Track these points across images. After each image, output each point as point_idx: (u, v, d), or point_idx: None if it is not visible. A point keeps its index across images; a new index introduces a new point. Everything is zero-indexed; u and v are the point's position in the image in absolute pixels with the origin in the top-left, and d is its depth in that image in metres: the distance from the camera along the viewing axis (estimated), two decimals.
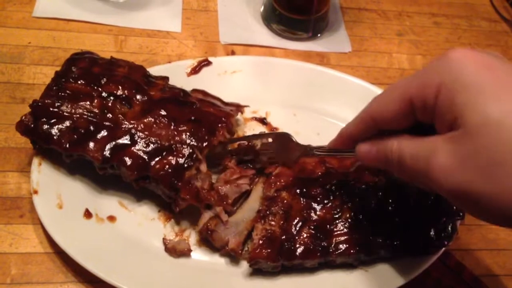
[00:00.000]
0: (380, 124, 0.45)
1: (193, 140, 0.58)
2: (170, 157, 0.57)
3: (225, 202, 0.57)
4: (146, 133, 0.58)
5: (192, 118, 0.59)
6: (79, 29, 0.77)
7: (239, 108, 0.65)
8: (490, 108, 0.35)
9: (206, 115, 0.60)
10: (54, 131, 0.57)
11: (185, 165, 0.56)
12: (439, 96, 0.39)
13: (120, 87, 0.60)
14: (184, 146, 0.57)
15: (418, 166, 0.40)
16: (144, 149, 0.57)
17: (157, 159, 0.56)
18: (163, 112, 0.59)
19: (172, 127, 0.58)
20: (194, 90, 0.65)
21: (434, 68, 0.40)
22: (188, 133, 0.58)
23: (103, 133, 0.57)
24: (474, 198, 0.36)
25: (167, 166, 0.56)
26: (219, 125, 0.60)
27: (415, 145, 0.41)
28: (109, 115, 0.58)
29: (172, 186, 0.55)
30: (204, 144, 0.58)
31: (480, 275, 0.61)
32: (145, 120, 0.58)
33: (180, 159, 0.56)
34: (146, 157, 0.56)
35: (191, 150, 0.57)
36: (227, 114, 0.61)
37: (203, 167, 0.57)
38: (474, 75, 0.37)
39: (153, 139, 0.57)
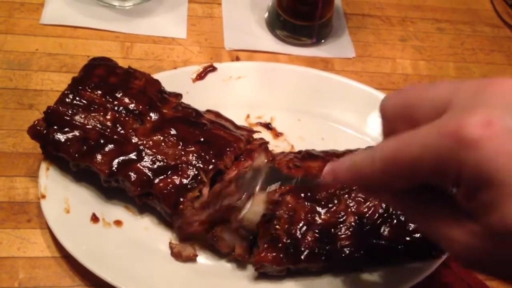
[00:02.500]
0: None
1: (200, 162, 0.58)
2: (175, 177, 0.57)
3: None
4: (154, 150, 0.58)
5: (201, 139, 0.59)
6: (85, 36, 0.78)
7: (250, 133, 0.65)
8: None
9: (216, 138, 0.60)
10: (64, 139, 0.58)
11: (189, 186, 0.57)
12: (457, 189, 0.33)
13: (134, 102, 0.61)
14: (190, 167, 0.57)
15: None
16: (150, 166, 0.57)
17: (161, 177, 0.57)
18: (173, 131, 0.59)
19: (180, 146, 0.59)
20: (208, 111, 0.66)
21: (450, 152, 0.32)
22: (195, 155, 0.58)
23: (112, 147, 0.58)
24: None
25: (170, 185, 0.56)
26: (228, 149, 0.60)
27: None
28: (120, 129, 0.59)
29: (174, 206, 0.56)
30: (210, 167, 0.58)
31: (485, 279, 0.61)
32: (154, 138, 0.59)
33: (185, 179, 0.57)
34: (150, 174, 0.57)
35: (196, 172, 0.57)
36: (236, 139, 0.61)
37: (206, 191, 0.58)
38: (499, 170, 0.30)
39: (160, 157, 0.58)
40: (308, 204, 0.57)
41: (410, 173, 0.34)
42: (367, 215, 0.57)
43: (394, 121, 0.38)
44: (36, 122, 0.60)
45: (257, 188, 0.54)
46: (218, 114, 0.66)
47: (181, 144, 0.59)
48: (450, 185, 0.33)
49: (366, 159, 0.38)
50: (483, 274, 0.36)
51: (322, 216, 0.56)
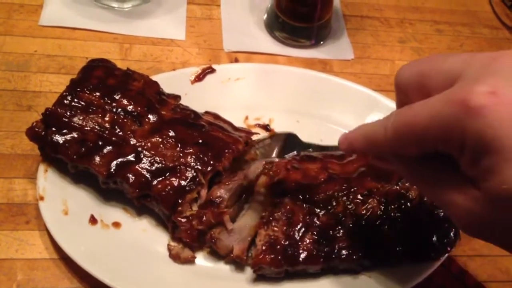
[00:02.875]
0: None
1: (198, 163, 0.58)
2: (173, 178, 0.57)
3: (224, 211, 0.57)
4: (152, 152, 0.58)
5: (200, 141, 0.60)
6: (84, 37, 0.78)
7: (248, 135, 0.65)
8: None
9: (214, 140, 0.61)
10: (63, 141, 0.58)
11: (187, 188, 0.57)
12: (462, 155, 0.34)
13: (133, 104, 0.61)
14: (188, 169, 0.58)
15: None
16: (148, 168, 0.57)
17: (159, 178, 0.57)
18: (171, 133, 0.60)
19: (178, 148, 0.59)
20: (206, 113, 0.66)
21: (456, 119, 0.33)
22: (193, 156, 0.58)
23: (111, 148, 0.58)
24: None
25: (169, 187, 0.57)
26: (226, 151, 0.60)
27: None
28: (119, 131, 0.59)
29: (172, 208, 0.56)
30: (209, 169, 0.58)
31: (483, 281, 0.61)
32: (153, 139, 0.59)
33: (183, 181, 0.57)
34: (149, 176, 0.57)
35: (194, 174, 0.57)
36: (235, 141, 0.61)
37: (204, 192, 0.58)
38: (500, 136, 0.31)
39: (158, 159, 0.58)
40: (306, 206, 0.57)
41: (419, 140, 0.36)
42: (366, 216, 0.57)
43: (408, 91, 0.40)
44: (35, 123, 0.60)
45: (274, 154, 0.54)
46: (216, 116, 0.66)
47: (179, 145, 0.59)
48: (456, 152, 0.34)
49: (379, 127, 0.39)
50: (485, 241, 0.37)
51: (320, 218, 0.56)
